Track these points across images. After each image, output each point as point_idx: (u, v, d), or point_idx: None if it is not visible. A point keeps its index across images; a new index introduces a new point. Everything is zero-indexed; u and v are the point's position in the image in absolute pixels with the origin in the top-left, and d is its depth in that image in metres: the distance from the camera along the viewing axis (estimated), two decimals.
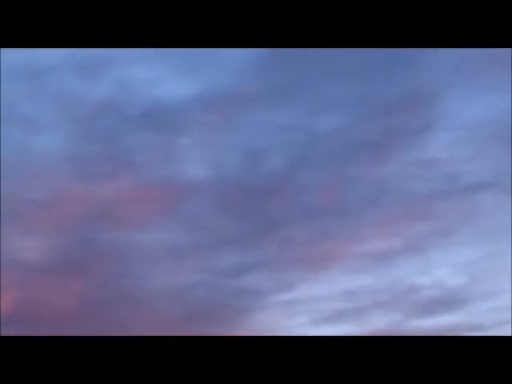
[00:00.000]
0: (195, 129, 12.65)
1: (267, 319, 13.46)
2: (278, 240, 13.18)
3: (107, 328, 12.70)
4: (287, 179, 13.31)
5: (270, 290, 13.57)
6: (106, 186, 13.56)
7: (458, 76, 12.46)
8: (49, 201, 13.58)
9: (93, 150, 13.30)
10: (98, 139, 13.22)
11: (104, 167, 13.36)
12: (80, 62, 11.41)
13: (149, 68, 12.21)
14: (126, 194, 13.37)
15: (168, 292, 13.18)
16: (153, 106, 12.85)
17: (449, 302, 13.09)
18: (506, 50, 12.16)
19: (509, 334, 12.68)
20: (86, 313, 12.89)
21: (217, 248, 13.41)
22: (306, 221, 13.43)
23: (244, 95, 12.12)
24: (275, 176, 13.25)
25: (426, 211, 13.41)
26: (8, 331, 11.27)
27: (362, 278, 13.33)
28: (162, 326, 13.00)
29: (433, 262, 13.22)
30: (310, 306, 13.37)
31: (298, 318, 13.28)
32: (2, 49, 13.17)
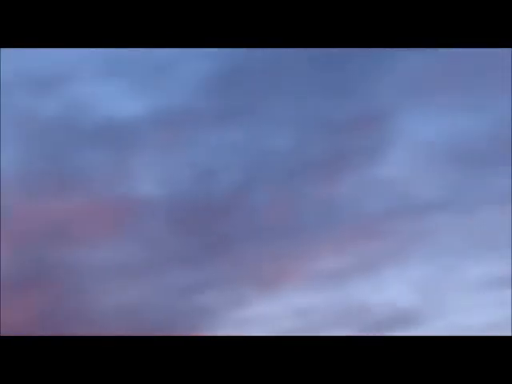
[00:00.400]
0: (148, 147, 12.52)
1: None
2: (230, 258, 13.15)
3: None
4: (239, 198, 13.32)
5: (222, 308, 13.29)
6: (57, 203, 13.35)
7: (410, 95, 12.63)
8: (2, 219, 13.15)
9: (43, 167, 13.18)
10: (49, 156, 13.08)
11: (55, 184, 13.19)
12: (31, 78, 11.70)
13: (102, 84, 12.23)
14: (77, 212, 13.21)
15: (120, 311, 12.97)
16: (105, 124, 12.79)
17: (401, 321, 13.02)
18: (506, 50, 12.25)
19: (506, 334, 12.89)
20: (38, 330, 12.74)
21: (169, 266, 13.22)
22: (258, 239, 13.24)
23: (197, 114, 12.15)
24: (227, 194, 13.22)
25: (378, 230, 13.11)
26: None
27: (314, 297, 13.18)
28: None
29: (385, 281, 13.02)
30: (261, 324, 13.16)
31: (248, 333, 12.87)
32: (2, 49, 13.30)
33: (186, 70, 12.94)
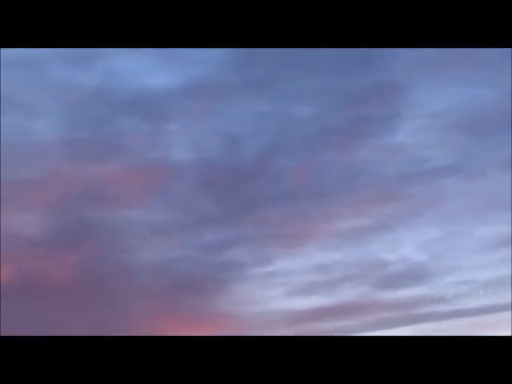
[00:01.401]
0: (179, 116, 14.02)
1: (246, 290, 14.73)
2: (256, 218, 14.46)
3: (100, 298, 13.88)
4: (264, 163, 14.48)
5: (249, 264, 14.84)
6: (96, 167, 14.44)
7: (424, 69, 13.78)
8: (45, 181, 14.53)
9: (84, 135, 14.26)
10: (89, 125, 14.22)
11: (95, 150, 14.31)
12: (72, 52, 12.43)
13: (137, 58, 13.08)
14: (115, 176, 14.46)
15: (155, 265, 14.31)
16: (140, 94, 13.95)
17: (413, 276, 14.69)
18: (506, 50, 12.45)
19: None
20: (80, 284, 14.03)
21: (199, 226, 14.59)
22: (282, 201, 14.77)
23: (224, 86, 13.23)
24: (253, 160, 14.51)
25: (393, 193, 14.77)
26: (7, 302, 12.66)
27: (334, 254, 14.68)
28: (152, 295, 14.04)
29: (400, 240, 14.58)
30: (285, 278, 14.75)
31: (274, 290, 14.54)
32: (2, 49, 13.65)
33: (217, 55, 14.12)
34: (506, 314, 13.69)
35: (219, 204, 14.86)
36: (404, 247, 15.52)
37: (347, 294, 15.36)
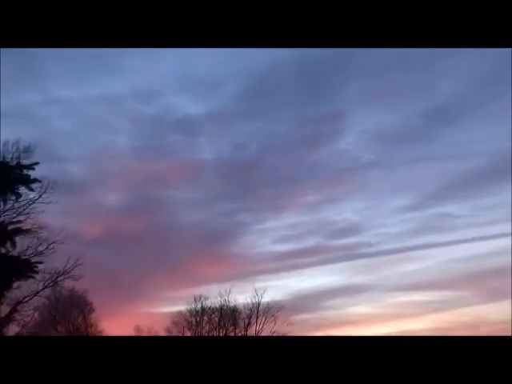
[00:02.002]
0: (205, 131, 53.32)
1: (248, 240, 65.64)
2: (255, 196, 40.15)
3: (158, 243, 55.37)
4: (261, 160, 39.98)
5: (250, 224, 67.06)
6: (154, 164, 43.09)
7: (360, 101, 39.76)
8: (121, 172, 47.46)
9: (146, 144, 44.44)
10: (149, 137, 50.43)
11: (152, 154, 46.46)
12: (138, 92, 48.73)
13: (179, 95, 44.83)
14: (165, 169, 38.79)
15: (191, 224, 57.00)
16: (181, 118, 49.03)
17: (350, 230, 62.93)
18: (506, 50, 13.09)
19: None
20: (145, 234, 47.77)
21: (219, 200, 63.15)
22: (271, 185, 51.10)
23: (233, 113, 54.50)
24: (253, 158, 42.51)
25: (340, 180, 50.31)
26: (97, 247, 46.12)
27: (301, 218, 69.02)
28: (189, 242, 52.50)
29: (343, 208, 60.85)
30: (271, 232, 71.37)
31: (265, 240, 68.09)
32: (2, 49, 13.21)
33: (229, 87, 51.76)
34: (407, 254, 63.18)
35: (231, 187, 47.39)
36: (345, 213, 69.02)
37: (309, 241, 72.98)
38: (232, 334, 55.18)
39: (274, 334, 53.68)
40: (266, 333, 54.32)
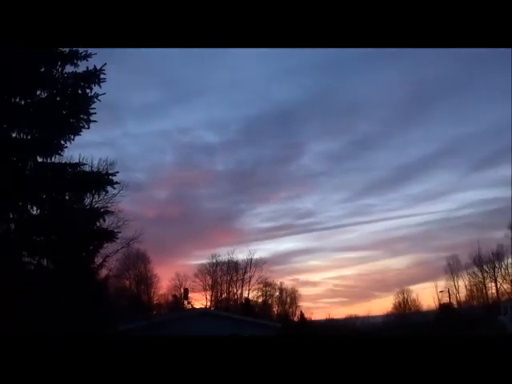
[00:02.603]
0: (219, 154, 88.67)
1: (245, 220, 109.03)
2: (250, 193, 76.68)
3: (190, 223, 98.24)
4: (253, 172, 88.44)
5: (246, 209, 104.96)
6: (187, 173, 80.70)
7: (315, 135, 72.11)
8: (167, 178, 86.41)
9: (182, 161, 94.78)
10: (183, 157, 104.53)
11: (186, 167, 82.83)
12: (155, 132, 79.04)
13: (204, 133, 64.75)
14: (195, 177, 77.21)
15: (211, 210, 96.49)
16: (204, 146, 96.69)
17: (308, 214, 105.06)
18: (506, 50, 12.56)
19: None
20: (181, 217, 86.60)
21: (228, 196, 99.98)
22: (261, 186, 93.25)
23: (235, 142, 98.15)
24: (249, 170, 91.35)
25: (300, 183, 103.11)
26: (152, 226, 78.24)
27: (279, 206, 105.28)
28: (209, 222, 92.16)
29: (303, 201, 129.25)
30: (260, 215, 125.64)
31: (256, 220, 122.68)
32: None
33: (233, 126, 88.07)
34: (343, 228, 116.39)
35: (235, 187, 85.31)
36: (305, 203, 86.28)
37: (283, 221, 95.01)
38: (235, 279, 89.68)
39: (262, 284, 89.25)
40: (255, 277, 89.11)
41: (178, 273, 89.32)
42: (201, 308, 58.62)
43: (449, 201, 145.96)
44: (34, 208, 19.99)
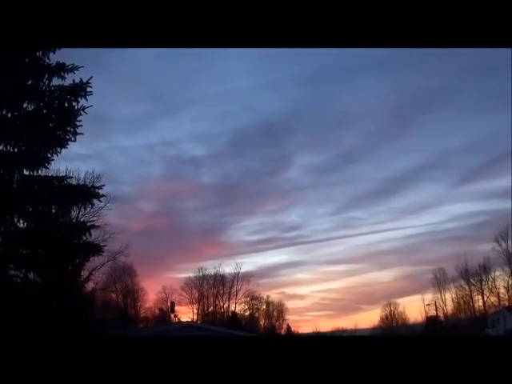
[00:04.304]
0: (205, 166, 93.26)
1: (232, 233, 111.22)
2: (236, 206, 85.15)
3: (177, 236, 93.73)
4: (240, 184, 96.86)
5: (233, 222, 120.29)
6: (172, 186, 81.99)
7: (300, 148, 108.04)
8: (153, 191, 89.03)
9: (169, 173, 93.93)
10: (170, 169, 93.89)
11: (172, 179, 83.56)
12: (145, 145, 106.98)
13: (191, 145, 41.73)
14: (180, 189, 76.81)
15: (197, 223, 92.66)
16: (190, 158, 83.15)
17: (295, 227, 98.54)
18: (506, 50, 12.72)
19: None
20: (169, 230, 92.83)
21: (213, 209, 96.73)
22: (246, 198, 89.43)
23: (220, 155, 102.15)
24: (235, 183, 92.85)
25: (286, 194, 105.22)
26: (138, 238, 74.87)
27: (265, 219, 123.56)
28: (195, 235, 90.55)
29: (289, 213, 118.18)
30: (247, 228, 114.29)
31: (242, 232, 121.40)
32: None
33: (220, 139, 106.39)
34: (329, 242, 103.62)
35: (221, 200, 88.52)
36: (291, 216, 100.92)
37: (269, 234, 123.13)
38: (221, 292, 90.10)
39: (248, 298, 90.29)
40: (242, 290, 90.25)
41: (165, 286, 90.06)
42: (187, 321, 58.31)
43: (435, 214, 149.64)
44: (21, 221, 19.99)
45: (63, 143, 19.92)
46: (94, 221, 29.39)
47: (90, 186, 23.72)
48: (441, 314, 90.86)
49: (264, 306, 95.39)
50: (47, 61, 19.48)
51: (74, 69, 19.66)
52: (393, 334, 74.88)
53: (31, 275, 19.89)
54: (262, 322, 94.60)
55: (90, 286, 40.86)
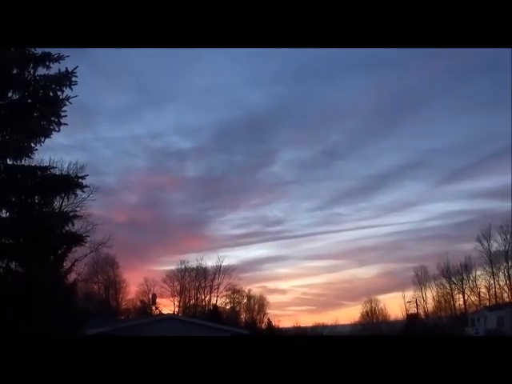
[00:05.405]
0: (191, 159, 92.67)
1: (215, 226, 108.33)
2: (219, 200, 78.28)
3: (161, 226, 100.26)
4: (222, 178, 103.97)
5: (217, 216, 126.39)
6: (157, 178, 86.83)
7: (283, 145, 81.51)
8: (138, 182, 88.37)
9: (153, 166, 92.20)
10: (156, 162, 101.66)
11: (157, 172, 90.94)
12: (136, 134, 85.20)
13: (178, 138, 76.42)
14: (165, 182, 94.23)
15: (181, 216, 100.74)
16: (175, 152, 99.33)
17: (278, 222, 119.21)
18: (506, 50, 12.67)
19: None
20: (152, 222, 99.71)
21: (198, 202, 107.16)
22: (231, 193, 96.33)
23: (206, 149, 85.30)
24: (219, 177, 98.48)
25: (270, 189, 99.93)
26: (121, 230, 75.25)
27: (248, 213, 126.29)
28: (178, 227, 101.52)
29: (273, 208, 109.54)
30: (230, 222, 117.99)
31: (226, 226, 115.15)
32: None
33: (205, 132, 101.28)
34: (312, 237, 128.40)
35: (205, 193, 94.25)
36: (274, 211, 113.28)
37: (252, 228, 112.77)
38: (203, 285, 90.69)
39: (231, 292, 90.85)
40: (224, 284, 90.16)
41: (147, 278, 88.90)
42: (168, 314, 58.36)
43: (418, 212, 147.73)
44: (3, 211, 19.92)
45: (47, 133, 19.81)
46: (76, 211, 30.40)
47: (73, 176, 23.28)
48: (421, 312, 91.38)
49: (245, 300, 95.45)
50: (32, 50, 19.27)
51: (59, 58, 19.48)
52: (386, 335, 74.79)
53: (13, 265, 19.83)
54: (243, 316, 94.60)
55: (72, 276, 41.11)
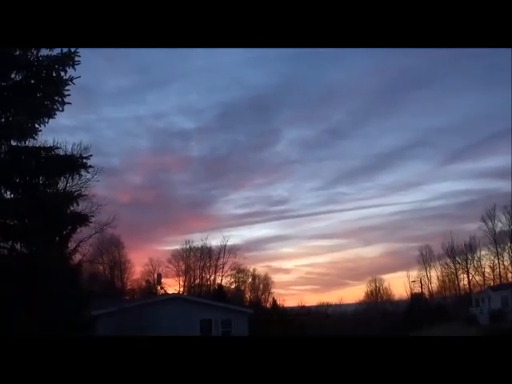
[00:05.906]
0: (195, 140, 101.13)
1: (220, 206, 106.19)
2: (224, 180, 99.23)
3: (165, 206, 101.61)
4: (228, 158, 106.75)
5: (221, 195, 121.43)
6: (161, 158, 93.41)
7: (286, 124, 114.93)
8: (143, 163, 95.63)
9: (158, 146, 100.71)
10: (160, 142, 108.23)
11: (161, 152, 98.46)
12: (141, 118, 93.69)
13: (178, 118, 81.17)
14: (169, 162, 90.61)
15: (185, 196, 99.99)
16: (179, 131, 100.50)
17: (282, 201, 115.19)
18: (506, 50, 12.66)
19: None
20: (156, 202, 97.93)
21: (202, 181, 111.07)
22: (234, 173, 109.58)
23: (209, 129, 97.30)
24: (224, 156, 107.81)
25: (275, 169, 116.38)
26: (126, 211, 72.45)
27: (252, 193, 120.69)
28: (183, 206, 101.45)
29: (276, 188, 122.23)
30: (234, 202, 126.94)
31: (230, 206, 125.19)
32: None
33: (209, 112, 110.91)
34: (316, 216, 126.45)
35: (209, 173, 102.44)
36: (279, 190, 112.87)
37: (256, 208, 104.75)
38: (208, 265, 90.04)
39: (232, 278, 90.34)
40: (228, 263, 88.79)
41: (152, 258, 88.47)
42: (173, 293, 58.64)
43: (421, 191, 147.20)
44: (8, 192, 19.96)
45: (51, 113, 19.82)
46: (81, 191, 29.87)
47: (77, 156, 23.32)
48: (426, 292, 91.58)
49: (250, 279, 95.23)
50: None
51: None
52: (386, 335, 74.32)
53: (18, 246, 19.90)
54: (247, 295, 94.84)
55: (77, 257, 41.97)
